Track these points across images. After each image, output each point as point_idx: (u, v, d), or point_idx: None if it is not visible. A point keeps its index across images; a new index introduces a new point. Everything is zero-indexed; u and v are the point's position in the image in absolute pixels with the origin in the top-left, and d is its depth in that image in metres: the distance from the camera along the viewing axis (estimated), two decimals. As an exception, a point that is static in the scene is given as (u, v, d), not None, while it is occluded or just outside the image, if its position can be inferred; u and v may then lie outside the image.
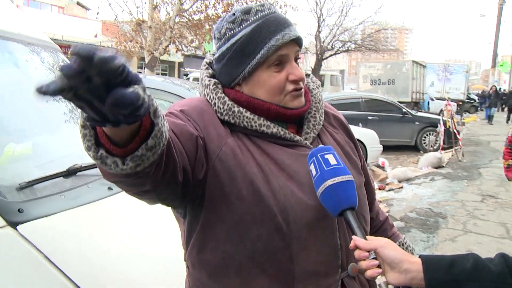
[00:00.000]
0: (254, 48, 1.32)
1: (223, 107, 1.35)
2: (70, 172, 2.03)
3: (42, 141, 2.32)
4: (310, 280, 1.33)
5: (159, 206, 1.32)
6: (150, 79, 5.96)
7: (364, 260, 1.20)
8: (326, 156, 1.27)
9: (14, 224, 1.67)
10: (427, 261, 1.19)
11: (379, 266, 1.19)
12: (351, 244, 1.22)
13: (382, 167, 10.83)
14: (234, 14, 1.37)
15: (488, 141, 16.81)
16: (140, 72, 22.80)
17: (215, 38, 1.42)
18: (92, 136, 0.96)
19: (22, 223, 1.69)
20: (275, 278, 1.31)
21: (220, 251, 1.32)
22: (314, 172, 1.27)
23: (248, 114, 1.35)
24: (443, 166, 11.62)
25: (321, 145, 1.36)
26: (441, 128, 13.50)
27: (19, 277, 1.64)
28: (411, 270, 1.17)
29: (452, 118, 13.67)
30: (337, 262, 1.36)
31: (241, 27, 1.34)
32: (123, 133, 0.96)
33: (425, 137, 14.94)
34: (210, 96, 1.38)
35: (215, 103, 1.36)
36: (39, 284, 1.63)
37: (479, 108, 35.42)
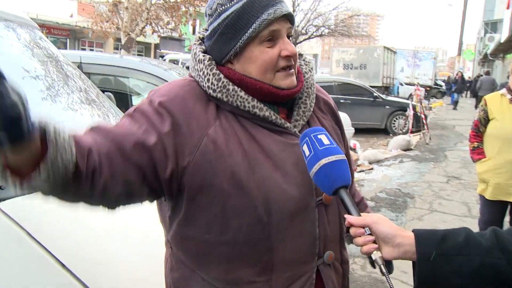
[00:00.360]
0: (245, 22, 1.28)
1: (217, 84, 1.30)
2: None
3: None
4: (288, 267, 1.33)
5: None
6: (128, 60, 5.86)
7: (360, 236, 1.19)
8: (319, 136, 1.25)
9: (-3, 201, 1.64)
10: (419, 235, 1.19)
11: (374, 242, 1.19)
12: (346, 222, 1.21)
13: (353, 149, 10.92)
14: None
15: (453, 125, 17.14)
16: (116, 53, 22.44)
17: (206, 15, 1.38)
18: None
19: (4, 200, 1.66)
20: (254, 267, 1.30)
21: (202, 241, 1.31)
22: (307, 152, 1.24)
23: (242, 94, 1.30)
24: (411, 149, 11.81)
25: (313, 126, 1.35)
26: (410, 112, 13.69)
27: (1, 252, 1.62)
28: (404, 244, 1.18)
29: (421, 103, 13.86)
30: (314, 251, 1.36)
31: (233, 2, 1.29)
32: (21, 160, 0.99)
33: (394, 121, 15.13)
34: (204, 72, 1.32)
35: (208, 79, 1.31)
36: (21, 259, 1.61)
37: (445, 94, 35.98)
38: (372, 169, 9.40)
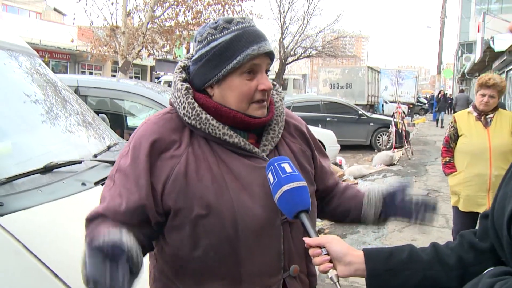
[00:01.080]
0: (231, 54, 1.35)
1: (191, 112, 1.37)
2: (47, 169, 2.07)
3: (21, 140, 2.35)
4: (256, 280, 1.39)
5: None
6: (123, 83, 5.96)
7: (317, 256, 1.25)
8: (282, 165, 1.33)
9: (-5, 217, 1.71)
10: (368, 253, 1.26)
11: (331, 261, 1.25)
12: (306, 244, 1.28)
13: (339, 165, 11.01)
14: (216, 22, 1.39)
15: (434, 140, 17.27)
16: (114, 76, 22.46)
17: (196, 41, 1.44)
18: None
19: (2, 215, 1.72)
20: (224, 280, 1.37)
21: (177, 256, 1.39)
22: (271, 180, 1.32)
23: (214, 122, 1.37)
24: (394, 164, 11.92)
25: (278, 156, 1.43)
26: (393, 129, 13.81)
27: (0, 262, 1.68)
28: (355, 262, 1.24)
29: (403, 120, 14.00)
30: (279, 265, 1.42)
31: (222, 34, 1.36)
32: None
33: (379, 137, 15.23)
34: (180, 100, 1.39)
35: (184, 107, 1.38)
36: (18, 271, 1.67)
37: (428, 111, 36.25)
38: (357, 183, 9.45)
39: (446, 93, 30.32)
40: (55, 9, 38.01)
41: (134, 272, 1.13)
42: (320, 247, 1.26)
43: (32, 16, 33.78)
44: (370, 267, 1.23)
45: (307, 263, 1.52)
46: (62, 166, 2.16)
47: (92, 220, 1.35)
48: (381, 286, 1.24)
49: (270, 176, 1.33)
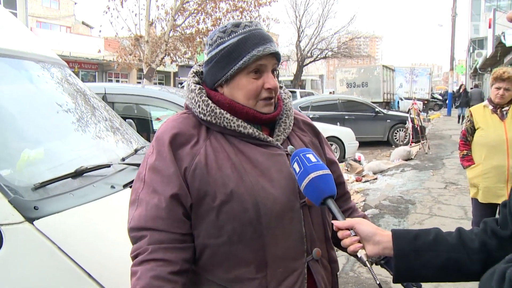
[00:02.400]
0: (238, 55, 1.38)
1: (206, 109, 1.41)
2: (78, 173, 2.07)
3: (53, 147, 2.36)
4: (280, 264, 1.38)
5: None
6: (148, 89, 5.99)
7: (347, 238, 1.28)
8: (307, 155, 1.34)
9: (31, 220, 1.71)
10: (396, 233, 1.27)
11: (359, 242, 1.27)
12: (334, 227, 1.30)
13: (358, 161, 10.92)
14: (225, 26, 1.44)
15: (450, 135, 17.00)
16: (139, 82, 22.65)
17: (207, 45, 1.48)
18: None
19: (37, 218, 1.73)
20: (251, 265, 1.36)
21: (204, 246, 1.38)
22: (297, 169, 1.33)
23: (228, 115, 1.41)
24: (412, 158, 11.74)
25: (301, 147, 1.44)
26: (409, 125, 13.63)
27: (36, 265, 1.69)
28: (382, 241, 1.26)
29: (419, 116, 13.80)
30: (302, 248, 1.42)
31: (230, 37, 1.41)
32: None
33: (395, 133, 15.05)
34: (195, 99, 1.43)
35: (199, 105, 1.42)
36: (53, 270, 1.68)
37: (442, 106, 35.71)
38: (376, 179, 9.36)
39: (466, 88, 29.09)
40: (83, 23, 38.64)
41: None
42: (348, 229, 1.28)
43: (62, 30, 34.49)
44: (397, 246, 1.25)
45: (327, 248, 1.53)
46: (92, 170, 2.16)
47: (138, 238, 1.34)
48: (407, 265, 1.24)
49: (296, 166, 1.34)
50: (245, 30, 1.41)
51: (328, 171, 1.34)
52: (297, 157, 1.35)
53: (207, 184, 1.35)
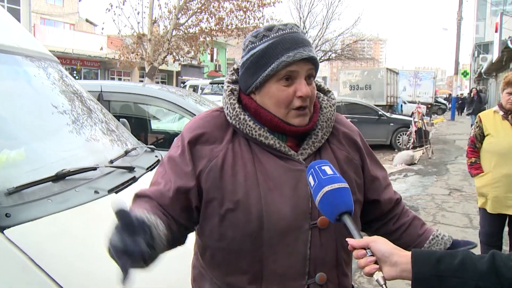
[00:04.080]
0: (267, 61, 1.32)
1: (232, 112, 1.38)
2: (59, 177, 1.91)
3: (36, 148, 2.20)
4: (277, 281, 1.33)
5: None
6: (147, 88, 5.83)
7: (362, 258, 1.15)
8: (323, 168, 1.25)
9: (1, 229, 1.56)
10: (416, 254, 1.13)
11: (376, 263, 1.14)
12: (349, 246, 1.19)
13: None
14: (258, 30, 1.38)
15: (454, 139, 16.82)
16: (142, 81, 22.60)
17: (242, 49, 1.43)
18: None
19: (9, 227, 1.57)
20: (246, 274, 1.34)
21: (207, 246, 1.39)
22: (312, 182, 1.25)
23: (251, 123, 1.36)
24: (415, 163, 11.56)
25: (324, 156, 1.37)
26: (412, 129, 13.47)
27: (5, 279, 1.53)
28: (401, 263, 1.12)
29: (422, 120, 13.64)
30: (304, 270, 1.35)
31: (261, 41, 1.34)
32: None
33: (399, 137, 14.89)
34: (225, 100, 1.41)
35: (227, 107, 1.39)
36: (24, 285, 1.52)
37: (445, 111, 35.52)
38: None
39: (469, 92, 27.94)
40: (87, 20, 38.62)
41: (155, 248, 1.11)
42: (364, 248, 1.15)
43: (66, 28, 34.47)
44: (416, 270, 1.10)
45: (339, 274, 1.42)
46: (75, 173, 2.00)
47: (140, 197, 1.36)
48: None
49: (310, 179, 1.26)
50: (277, 34, 1.33)
51: (345, 185, 1.23)
52: (312, 169, 1.26)
53: (218, 188, 1.32)
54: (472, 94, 21.08)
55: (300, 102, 1.33)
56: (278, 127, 1.36)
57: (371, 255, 1.14)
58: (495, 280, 1.04)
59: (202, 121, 1.42)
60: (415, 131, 13.36)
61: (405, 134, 14.51)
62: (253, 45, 1.36)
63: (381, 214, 1.57)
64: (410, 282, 1.12)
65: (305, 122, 1.37)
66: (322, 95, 1.51)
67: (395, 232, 1.55)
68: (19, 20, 22.93)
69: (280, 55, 1.31)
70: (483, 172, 3.81)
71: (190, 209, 1.36)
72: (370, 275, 1.14)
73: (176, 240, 1.33)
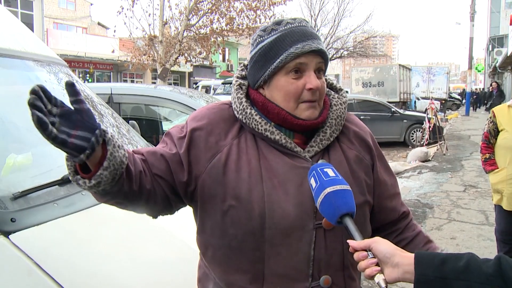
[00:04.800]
0: (275, 53, 1.30)
1: (239, 106, 1.35)
2: (65, 181, 1.90)
3: (43, 152, 2.20)
4: (279, 282, 1.30)
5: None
6: (158, 89, 5.84)
7: (363, 260, 1.11)
8: (325, 170, 1.23)
9: (6, 234, 1.56)
10: (419, 256, 1.09)
11: (377, 265, 1.10)
12: (350, 248, 1.15)
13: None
14: (267, 25, 1.36)
15: (468, 135, 16.59)
16: (154, 83, 22.68)
17: (251, 44, 1.41)
18: (72, 167, 1.14)
19: (14, 232, 1.58)
20: (246, 274, 1.30)
21: (209, 244, 1.36)
22: (314, 184, 1.22)
23: (257, 118, 1.33)
24: (429, 160, 11.42)
25: (320, 161, 1.31)
26: (426, 125, 13.32)
27: (11, 283, 1.52)
28: (403, 264, 1.08)
29: (436, 116, 13.48)
30: (307, 271, 1.30)
31: (270, 35, 1.33)
32: (91, 161, 1.11)
33: (412, 134, 14.74)
34: (232, 95, 1.40)
35: (234, 102, 1.37)
36: (30, 291, 1.51)
37: (460, 106, 35.09)
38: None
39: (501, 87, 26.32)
40: (99, 23, 38.90)
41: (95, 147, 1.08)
42: (366, 250, 1.12)
43: (79, 31, 34.76)
44: (419, 271, 1.05)
45: (345, 277, 1.37)
46: (82, 177, 1.99)
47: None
48: None
49: (312, 181, 1.23)
50: (286, 27, 1.32)
51: (347, 187, 1.19)
52: (314, 171, 1.23)
53: (220, 184, 1.30)
54: (491, 88, 19.82)
55: (310, 96, 1.31)
56: (285, 121, 1.33)
57: (372, 257, 1.11)
58: (501, 283, 1.00)
59: (209, 111, 1.40)
60: (429, 128, 13.20)
61: (419, 130, 14.35)
62: (261, 38, 1.34)
63: (384, 223, 1.49)
64: (411, 285, 1.08)
65: (314, 116, 1.33)
66: (333, 92, 1.47)
67: (396, 244, 1.48)
68: (32, 25, 23.23)
69: (288, 46, 1.29)
70: (498, 168, 3.72)
71: (165, 181, 1.31)
72: (371, 277, 1.10)
73: (134, 193, 1.24)
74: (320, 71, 1.34)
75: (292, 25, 1.32)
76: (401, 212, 1.51)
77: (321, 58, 1.32)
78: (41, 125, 0.99)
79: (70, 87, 1.06)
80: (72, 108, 1.07)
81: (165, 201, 1.32)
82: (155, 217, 1.38)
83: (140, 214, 1.34)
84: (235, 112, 1.37)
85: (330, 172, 1.21)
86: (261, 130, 1.32)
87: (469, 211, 6.60)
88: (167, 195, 1.31)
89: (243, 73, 1.44)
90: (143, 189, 1.24)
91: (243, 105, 1.35)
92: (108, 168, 1.11)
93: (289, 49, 1.28)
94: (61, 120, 1.04)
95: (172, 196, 1.32)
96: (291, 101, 1.31)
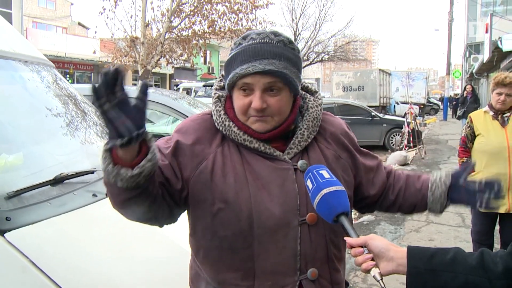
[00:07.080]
0: (229, 71, 1.38)
1: (218, 119, 1.42)
2: (57, 181, 1.94)
3: (34, 152, 2.23)
4: (269, 277, 1.38)
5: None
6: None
7: (360, 256, 1.21)
8: (320, 172, 1.31)
9: (1, 232, 1.60)
10: (411, 250, 1.20)
11: (373, 260, 1.20)
12: (347, 245, 1.25)
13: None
14: (241, 36, 1.41)
15: (446, 139, 16.91)
16: (135, 84, 22.55)
17: None
18: (109, 158, 1.17)
19: (9, 230, 1.61)
20: (238, 272, 1.38)
21: (200, 245, 1.44)
22: (310, 186, 1.30)
23: (235, 129, 1.40)
24: (408, 164, 11.62)
25: (315, 164, 1.39)
26: (405, 129, 13.54)
27: (6, 281, 1.56)
28: (396, 258, 1.19)
29: (415, 120, 13.71)
30: (295, 266, 1.39)
31: (236, 48, 1.38)
32: (130, 155, 1.17)
33: (392, 138, 14.93)
34: (212, 107, 1.46)
35: (214, 114, 1.44)
36: (25, 287, 1.55)
37: (438, 111, 35.68)
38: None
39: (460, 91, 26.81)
40: (79, 24, 38.46)
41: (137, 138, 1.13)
42: (361, 246, 1.23)
43: (58, 31, 34.32)
44: (411, 264, 1.18)
45: (330, 269, 1.47)
46: (73, 177, 2.04)
47: None
48: (421, 286, 1.17)
49: (308, 182, 1.32)
50: (247, 43, 1.36)
51: (341, 188, 1.29)
52: (310, 173, 1.32)
53: (209, 189, 1.37)
54: (465, 92, 17.80)
55: (255, 113, 1.36)
56: (248, 131, 1.40)
57: (368, 253, 1.20)
58: (483, 273, 1.13)
59: (193, 122, 1.46)
60: (408, 132, 13.43)
61: (398, 134, 14.57)
62: (231, 51, 1.40)
63: (379, 185, 1.60)
64: (404, 282, 1.18)
65: (263, 128, 1.39)
66: (309, 95, 1.54)
67: (397, 198, 1.59)
68: (11, 24, 22.72)
69: (236, 66, 1.35)
70: (474, 171, 3.85)
71: (165, 189, 1.36)
72: (367, 271, 1.20)
73: (152, 196, 1.30)
74: (273, 89, 1.35)
75: (253, 42, 1.35)
76: (387, 172, 1.63)
77: (272, 77, 1.33)
78: (95, 92, 1.05)
79: (145, 87, 1.13)
80: (134, 102, 1.11)
81: (168, 208, 1.38)
82: (161, 226, 1.45)
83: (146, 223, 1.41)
84: (216, 124, 1.44)
85: (325, 174, 1.30)
86: (240, 140, 1.40)
87: (447, 214, 6.75)
88: (167, 202, 1.37)
89: (222, 83, 1.49)
90: (157, 194, 1.31)
91: (221, 118, 1.42)
92: (151, 160, 1.18)
93: (236, 69, 1.34)
94: (119, 104, 1.08)
95: (171, 202, 1.38)
96: (241, 114, 1.40)
